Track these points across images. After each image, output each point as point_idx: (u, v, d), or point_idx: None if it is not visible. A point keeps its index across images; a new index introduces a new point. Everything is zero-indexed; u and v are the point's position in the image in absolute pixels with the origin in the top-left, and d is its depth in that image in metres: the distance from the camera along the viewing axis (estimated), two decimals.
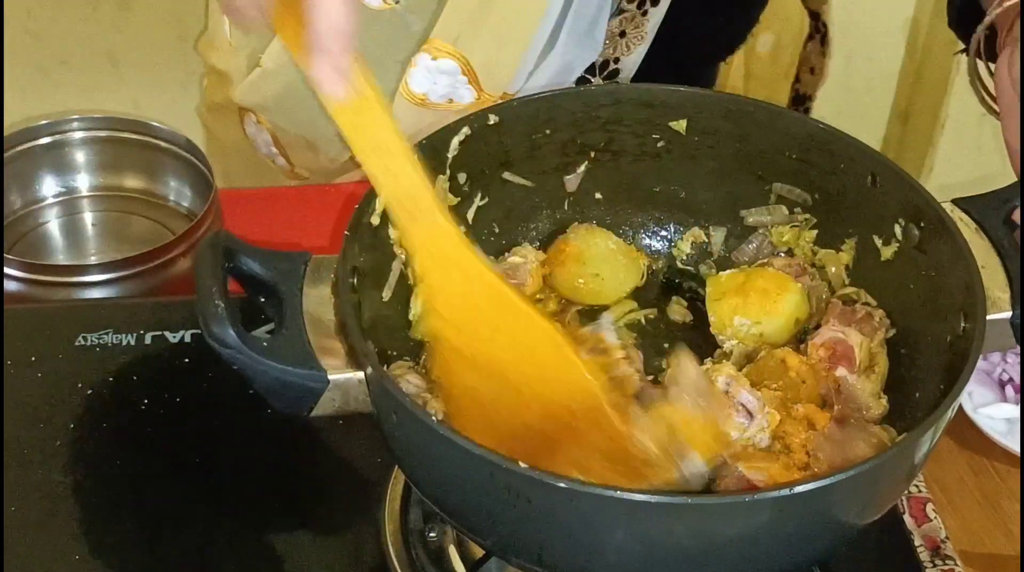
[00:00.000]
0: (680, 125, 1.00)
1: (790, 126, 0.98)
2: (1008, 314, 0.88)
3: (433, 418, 0.76)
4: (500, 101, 1.22)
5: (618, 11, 1.25)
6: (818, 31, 1.42)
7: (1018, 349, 1.14)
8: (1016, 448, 1.07)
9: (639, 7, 1.25)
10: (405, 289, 0.93)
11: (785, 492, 0.73)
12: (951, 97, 2.21)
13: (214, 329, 0.79)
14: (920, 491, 1.04)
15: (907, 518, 1.02)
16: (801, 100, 1.46)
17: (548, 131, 0.98)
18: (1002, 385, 1.13)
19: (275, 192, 1.34)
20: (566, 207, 1.03)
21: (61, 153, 1.24)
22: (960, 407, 1.10)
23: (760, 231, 1.02)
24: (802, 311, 0.97)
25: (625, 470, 0.79)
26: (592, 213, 1.04)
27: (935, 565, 0.99)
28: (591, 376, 0.82)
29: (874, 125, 2.30)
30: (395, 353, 0.91)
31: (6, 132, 1.21)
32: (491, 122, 0.96)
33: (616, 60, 1.28)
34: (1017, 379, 1.12)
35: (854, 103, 2.16)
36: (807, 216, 1.00)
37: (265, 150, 1.39)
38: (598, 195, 1.03)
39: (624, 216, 1.04)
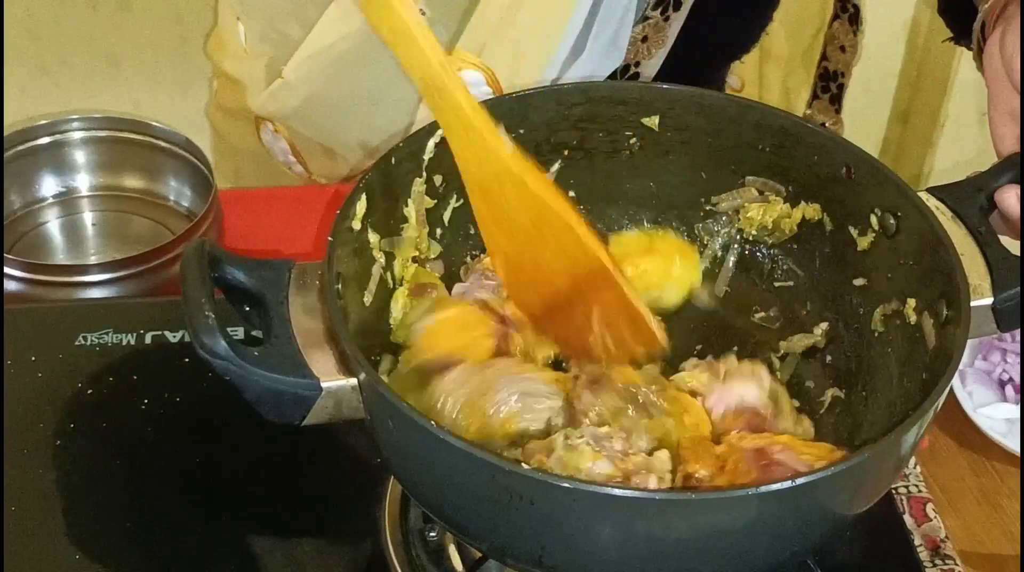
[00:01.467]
0: (652, 121, 1.00)
1: (762, 120, 0.98)
2: (989, 300, 0.88)
3: (432, 422, 0.76)
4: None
5: (642, 18, 1.26)
6: (845, 11, 1.42)
7: (1018, 350, 1.14)
8: (1016, 448, 1.07)
9: (662, 13, 1.25)
10: (384, 293, 0.93)
11: (784, 485, 0.73)
12: (951, 97, 2.21)
13: (205, 340, 0.78)
14: (920, 491, 1.04)
15: (907, 518, 1.01)
16: (833, 77, 1.46)
17: (522, 130, 0.97)
18: (1002, 385, 1.13)
19: (275, 192, 1.34)
20: None
21: (61, 153, 1.24)
22: (960, 407, 1.10)
23: (726, 218, 1.03)
24: (696, 278, 1.00)
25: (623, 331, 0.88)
26: None
27: (935, 565, 0.98)
28: (600, 251, 0.87)
29: (874, 125, 2.30)
30: (378, 357, 0.92)
31: (6, 132, 1.21)
32: None
33: (637, 64, 1.29)
34: (1017, 379, 1.12)
35: (854, 103, 2.15)
36: (777, 197, 1.00)
37: (282, 158, 1.39)
38: (572, 193, 1.03)
39: (598, 213, 1.04)
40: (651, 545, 0.76)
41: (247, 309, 0.86)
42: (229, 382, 0.80)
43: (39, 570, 0.91)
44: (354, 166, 1.35)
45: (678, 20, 1.27)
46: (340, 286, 0.85)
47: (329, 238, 0.85)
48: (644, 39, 1.26)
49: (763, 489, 0.74)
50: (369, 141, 1.32)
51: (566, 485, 0.73)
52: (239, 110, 1.38)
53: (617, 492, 0.74)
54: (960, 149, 2.25)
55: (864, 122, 2.25)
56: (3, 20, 1.90)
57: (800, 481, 0.74)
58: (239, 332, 1.01)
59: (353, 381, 0.81)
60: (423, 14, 1.17)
